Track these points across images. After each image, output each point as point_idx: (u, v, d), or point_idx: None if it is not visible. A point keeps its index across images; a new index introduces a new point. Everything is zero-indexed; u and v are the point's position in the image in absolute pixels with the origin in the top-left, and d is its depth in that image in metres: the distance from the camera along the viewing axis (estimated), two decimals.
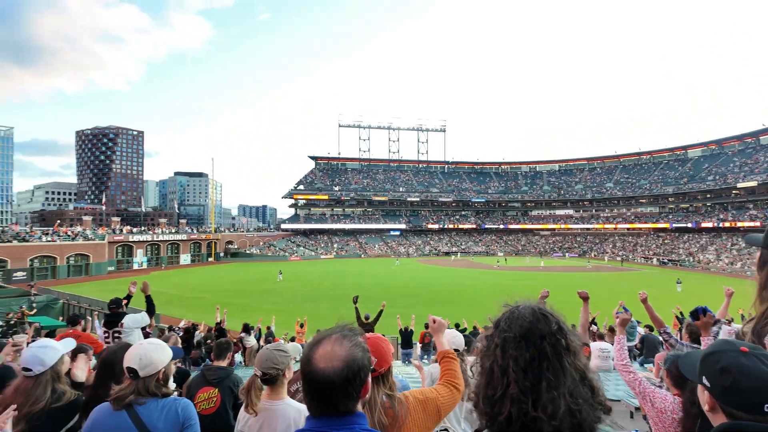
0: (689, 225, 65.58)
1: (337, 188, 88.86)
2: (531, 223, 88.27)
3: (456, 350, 2.97)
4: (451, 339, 3.10)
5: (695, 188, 68.70)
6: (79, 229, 55.23)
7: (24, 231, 50.18)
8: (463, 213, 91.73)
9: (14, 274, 39.92)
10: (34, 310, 17.86)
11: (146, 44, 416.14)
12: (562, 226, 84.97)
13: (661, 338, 4.76)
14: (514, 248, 79.77)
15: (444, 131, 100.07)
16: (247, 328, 11.62)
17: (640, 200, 79.18)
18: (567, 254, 73.55)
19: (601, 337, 8.91)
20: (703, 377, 1.28)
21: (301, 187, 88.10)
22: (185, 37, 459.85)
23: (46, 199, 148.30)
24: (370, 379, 1.36)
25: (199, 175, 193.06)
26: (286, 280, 40.77)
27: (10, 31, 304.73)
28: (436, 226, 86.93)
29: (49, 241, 46.38)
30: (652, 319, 4.52)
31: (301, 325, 14.99)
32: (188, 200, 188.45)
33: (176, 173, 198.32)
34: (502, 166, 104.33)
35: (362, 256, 74.27)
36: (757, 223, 54.69)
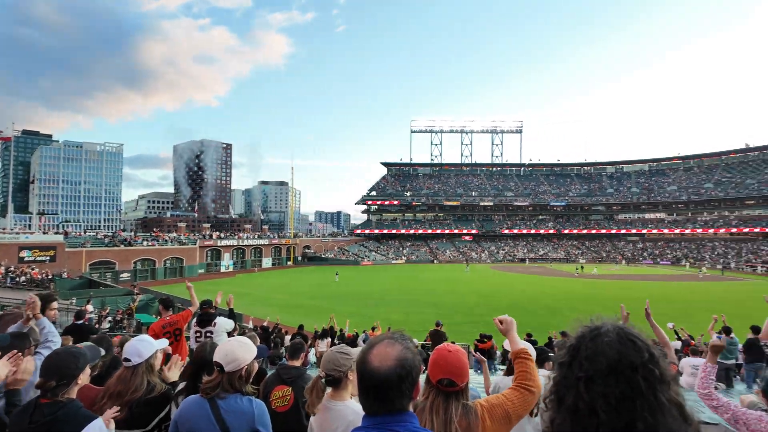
0: None
1: (408, 194, 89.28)
2: (617, 227, 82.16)
3: None
4: None
5: None
6: (174, 234, 60.91)
7: (129, 236, 56.19)
8: (540, 217, 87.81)
9: (121, 275, 44.83)
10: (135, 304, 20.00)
11: (234, 62, 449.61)
12: (653, 231, 78.16)
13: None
14: (598, 255, 74.71)
15: (520, 132, 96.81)
16: (323, 334, 12.06)
17: (746, 202, 70.60)
18: (659, 261, 67.53)
19: (696, 353, 8.09)
20: None
21: (374, 193, 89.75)
22: (269, 53, 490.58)
23: (148, 207, 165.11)
24: (421, 380, 1.41)
25: (280, 183, 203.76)
26: (359, 284, 41.65)
27: (124, 58, 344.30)
28: (510, 231, 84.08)
29: (150, 245, 51.52)
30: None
31: (374, 329, 15.27)
32: (270, 207, 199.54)
33: (260, 182, 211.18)
34: (585, 168, 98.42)
35: (434, 261, 73.83)
36: None
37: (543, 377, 2.12)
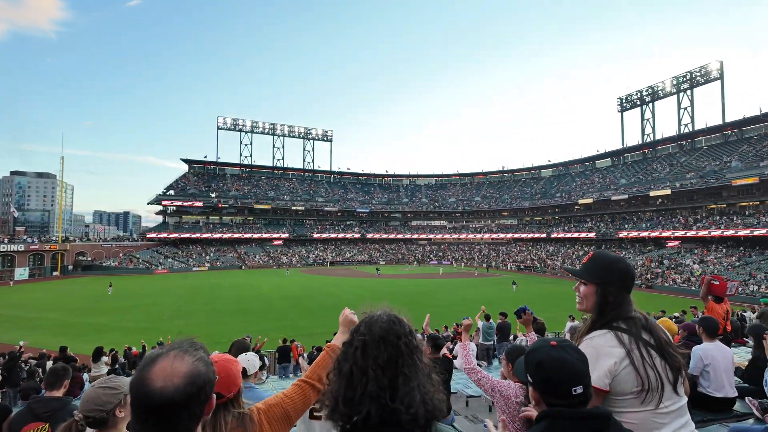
0: (542, 235, 75.09)
1: (213, 195, 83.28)
2: (410, 233, 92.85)
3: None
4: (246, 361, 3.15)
5: (546, 203, 79.03)
6: None
7: None
8: (348, 222, 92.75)
9: None
10: None
11: None
12: (438, 236, 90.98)
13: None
14: (395, 257, 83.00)
15: (330, 141, 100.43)
16: (98, 354, 10.22)
17: (503, 213, 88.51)
18: (442, 261, 78.88)
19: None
20: (528, 375, 1.50)
21: (172, 192, 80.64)
22: (33, 15, 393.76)
23: None
24: (214, 396, 1.23)
25: (45, 175, 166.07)
26: (151, 295, 36.95)
27: None
28: (321, 236, 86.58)
29: None
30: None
31: (160, 344, 13.71)
32: (28, 205, 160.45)
33: (14, 172, 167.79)
34: (385, 179, 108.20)
35: (242, 267, 70.61)
36: (593, 234, 64.82)
37: None
